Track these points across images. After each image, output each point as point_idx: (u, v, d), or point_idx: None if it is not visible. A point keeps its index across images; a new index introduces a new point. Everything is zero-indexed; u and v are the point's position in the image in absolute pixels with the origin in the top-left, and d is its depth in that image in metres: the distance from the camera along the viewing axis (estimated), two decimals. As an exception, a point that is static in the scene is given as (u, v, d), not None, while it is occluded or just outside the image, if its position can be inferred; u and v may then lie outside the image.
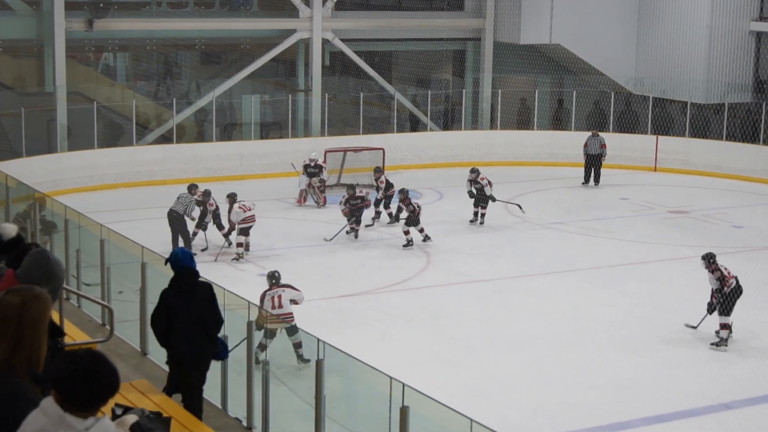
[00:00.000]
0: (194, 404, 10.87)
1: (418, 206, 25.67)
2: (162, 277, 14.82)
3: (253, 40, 36.18)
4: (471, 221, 27.72)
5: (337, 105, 36.52)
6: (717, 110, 35.69)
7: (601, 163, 32.57)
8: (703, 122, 35.89)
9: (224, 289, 13.38)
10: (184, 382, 10.91)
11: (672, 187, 32.66)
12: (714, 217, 28.86)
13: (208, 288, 10.82)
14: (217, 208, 24.75)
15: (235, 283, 20.24)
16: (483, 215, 27.59)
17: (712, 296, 19.23)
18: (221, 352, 11.13)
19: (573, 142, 36.03)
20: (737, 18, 35.99)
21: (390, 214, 27.52)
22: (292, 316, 16.74)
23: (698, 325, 19.59)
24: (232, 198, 24.36)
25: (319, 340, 11.27)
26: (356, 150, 32.14)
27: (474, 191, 27.65)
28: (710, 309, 19.26)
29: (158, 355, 13.62)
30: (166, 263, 11.11)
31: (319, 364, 11.16)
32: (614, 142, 35.67)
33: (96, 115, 31.27)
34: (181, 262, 10.70)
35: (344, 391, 13.40)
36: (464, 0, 38.39)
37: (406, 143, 35.33)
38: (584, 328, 19.95)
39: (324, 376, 11.17)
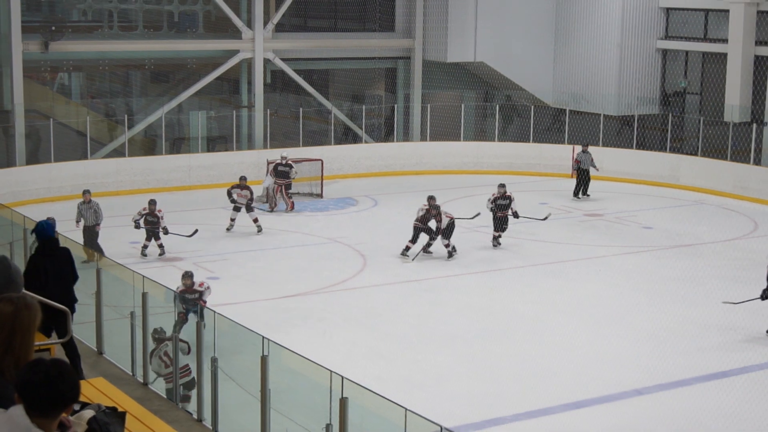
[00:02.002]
0: (72, 345, 11.38)
1: (452, 218, 24.59)
2: (116, 281, 14.77)
3: (199, 60, 36.02)
4: (494, 245, 25.75)
5: (278, 120, 36.45)
6: (628, 121, 36.10)
7: (590, 177, 32.21)
8: (615, 132, 36.28)
9: (175, 292, 13.34)
10: (60, 329, 11.19)
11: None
12: (626, 220, 29.17)
13: (67, 252, 11.63)
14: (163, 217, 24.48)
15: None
16: (499, 236, 25.84)
17: None
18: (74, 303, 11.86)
19: (496, 152, 36.28)
20: (645, 37, 36.44)
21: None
22: (189, 369, 13.59)
23: (740, 303, 19.84)
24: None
25: (263, 337, 11.27)
26: (296, 161, 32.09)
27: (494, 208, 25.70)
28: (764, 296, 19.37)
29: (114, 354, 13.54)
30: (32, 233, 11.96)
31: (264, 360, 11.16)
32: (534, 151, 36.00)
33: (52, 131, 30.98)
34: (45, 232, 11.48)
35: (288, 385, 13.39)
36: (395, 22, 38.49)
37: (343, 154, 35.34)
38: (510, 323, 20.08)
39: (269, 372, 11.17)
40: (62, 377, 4.32)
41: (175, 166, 32.72)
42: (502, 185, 26.05)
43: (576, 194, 32.14)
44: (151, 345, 13.51)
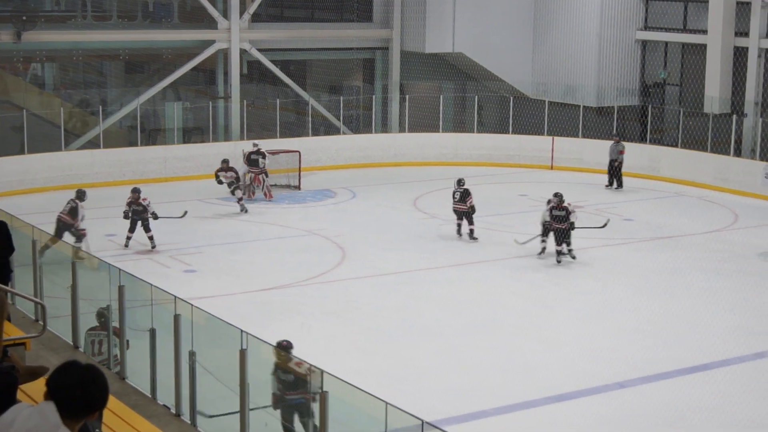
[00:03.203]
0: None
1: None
2: (90, 273, 14.66)
3: (174, 50, 35.83)
4: (558, 260, 23.82)
5: (255, 111, 36.33)
6: (607, 113, 36.14)
7: (619, 168, 32.22)
8: (595, 124, 36.33)
9: (151, 285, 13.24)
10: None
11: (567, 183, 32.91)
12: (606, 211, 29.16)
13: (4, 226, 11.77)
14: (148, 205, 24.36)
15: (161, 279, 20.02)
16: (570, 250, 23.90)
17: None
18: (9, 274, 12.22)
19: (475, 143, 36.28)
20: (624, 27, 36.49)
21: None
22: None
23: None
24: None
25: (242, 331, 11.19)
26: (274, 153, 31.99)
27: (549, 220, 24.02)
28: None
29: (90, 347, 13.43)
30: None
31: (242, 353, 11.09)
32: (514, 143, 36.00)
33: (26, 122, 30.77)
34: None
35: (266, 379, 13.32)
36: (372, 12, 38.41)
37: (321, 146, 35.26)
38: (490, 316, 20.06)
39: (248, 365, 11.10)
40: (94, 381, 4.43)
41: (150, 158, 32.56)
42: (557, 194, 23.99)
43: (610, 184, 32.38)
44: (93, 323, 13.45)
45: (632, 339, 18.74)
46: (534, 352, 18.02)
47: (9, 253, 11.96)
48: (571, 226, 23.86)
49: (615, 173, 32.37)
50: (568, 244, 23.92)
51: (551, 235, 24.06)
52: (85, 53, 35.32)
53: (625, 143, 32.84)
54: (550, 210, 24.11)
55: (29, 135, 30.86)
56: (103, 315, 13.77)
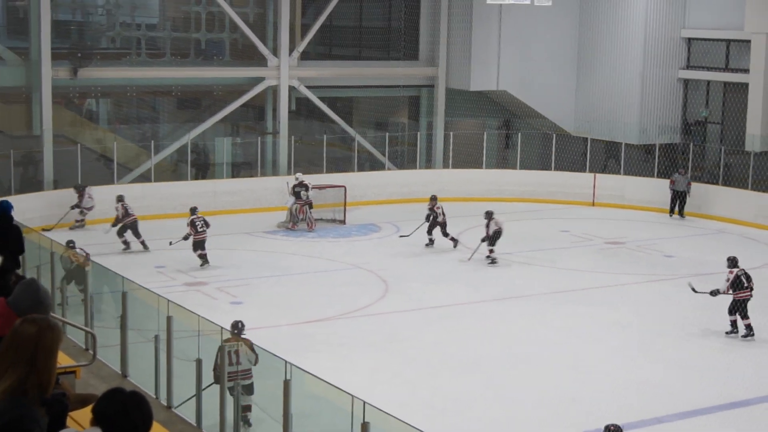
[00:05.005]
0: None
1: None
2: (141, 304, 14.79)
3: (225, 87, 36.17)
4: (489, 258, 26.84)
5: (302, 146, 36.52)
6: (649, 150, 35.99)
7: (686, 199, 32.97)
8: (637, 161, 36.18)
9: (199, 315, 13.35)
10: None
11: (608, 220, 32.84)
12: (647, 248, 29.03)
13: (18, 229, 11.96)
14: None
15: (209, 310, 20.15)
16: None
17: None
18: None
19: (519, 179, 36.23)
20: (666, 67, 36.39)
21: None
22: (250, 373, 14.20)
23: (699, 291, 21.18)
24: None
25: (286, 362, 11.26)
26: (320, 188, 32.13)
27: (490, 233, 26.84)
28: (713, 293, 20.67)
29: (138, 377, 13.55)
30: None
31: (286, 384, 11.14)
32: (556, 179, 35.92)
33: (80, 156, 31.14)
34: (6, 211, 11.81)
35: (310, 410, 13.36)
36: (419, 50, 38.59)
37: (366, 181, 35.35)
38: (531, 350, 19.98)
39: (291, 396, 11.15)
40: (138, 409, 4.45)
41: (200, 192, 32.78)
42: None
43: (671, 213, 33.00)
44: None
45: (671, 374, 18.57)
46: (575, 387, 17.91)
47: (21, 252, 12.07)
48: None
49: (681, 203, 33.01)
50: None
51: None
52: (138, 89, 35.76)
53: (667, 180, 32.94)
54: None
55: (83, 169, 31.21)
56: (236, 327, 14.95)
